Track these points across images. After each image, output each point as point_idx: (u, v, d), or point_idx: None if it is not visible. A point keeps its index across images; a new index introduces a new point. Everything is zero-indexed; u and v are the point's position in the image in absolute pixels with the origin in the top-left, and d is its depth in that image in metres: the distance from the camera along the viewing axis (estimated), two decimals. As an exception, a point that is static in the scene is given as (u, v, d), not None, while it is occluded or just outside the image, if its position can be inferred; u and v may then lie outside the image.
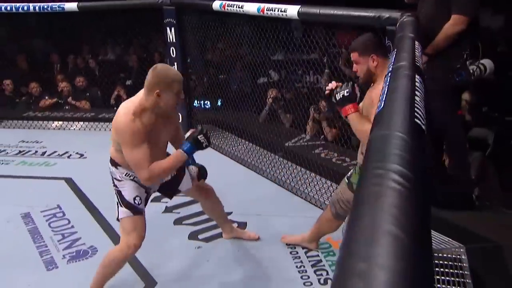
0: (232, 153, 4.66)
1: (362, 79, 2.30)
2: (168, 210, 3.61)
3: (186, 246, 3.09)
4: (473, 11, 2.72)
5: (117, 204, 2.41)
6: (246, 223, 3.32)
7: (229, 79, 5.43)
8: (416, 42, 1.94)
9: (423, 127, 1.09)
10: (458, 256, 2.57)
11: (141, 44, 7.11)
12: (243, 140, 4.73)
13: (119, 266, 2.48)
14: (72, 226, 3.37)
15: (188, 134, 2.40)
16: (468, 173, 3.00)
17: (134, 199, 2.40)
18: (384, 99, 1.26)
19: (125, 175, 2.40)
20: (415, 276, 0.58)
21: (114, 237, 3.19)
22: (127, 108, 2.23)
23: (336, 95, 2.22)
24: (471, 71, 2.71)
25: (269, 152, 4.38)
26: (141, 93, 2.29)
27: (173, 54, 4.95)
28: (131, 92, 6.40)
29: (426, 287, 0.60)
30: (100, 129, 5.64)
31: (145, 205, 2.48)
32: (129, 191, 2.39)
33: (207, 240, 3.15)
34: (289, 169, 4.02)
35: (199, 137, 2.33)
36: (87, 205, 3.70)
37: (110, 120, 5.55)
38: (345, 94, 2.19)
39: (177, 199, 3.78)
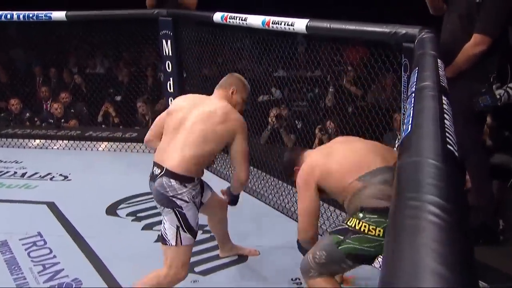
0: (230, 176, 4.65)
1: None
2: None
3: (180, 280, 3.05)
4: (497, 30, 2.74)
5: (177, 228, 2.38)
6: (247, 257, 3.29)
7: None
8: (439, 61, 1.96)
9: (456, 153, 1.09)
10: (482, 297, 2.54)
11: (132, 57, 7.16)
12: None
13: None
14: (54, 256, 3.33)
15: None
16: (491, 204, 2.99)
17: (196, 224, 2.46)
18: (410, 122, 1.26)
19: (193, 196, 2.42)
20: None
21: (101, 269, 3.15)
22: (228, 107, 2.56)
23: None
24: (498, 95, 2.72)
25: (271, 177, 4.37)
26: (217, 96, 2.67)
27: (168, 69, 4.98)
28: (120, 109, 6.47)
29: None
30: (86, 149, 5.63)
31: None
32: (194, 215, 2.42)
33: (204, 273, 3.12)
34: (294, 195, 4.00)
35: None
36: (71, 233, 3.66)
37: (97, 139, 5.69)
38: None
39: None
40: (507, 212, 3.20)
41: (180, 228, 2.37)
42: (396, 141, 3.93)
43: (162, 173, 2.35)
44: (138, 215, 3.97)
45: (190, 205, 2.39)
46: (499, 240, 3.02)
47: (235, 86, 2.65)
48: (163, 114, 2.75)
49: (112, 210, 4.06)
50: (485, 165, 2.99)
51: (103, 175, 4.85)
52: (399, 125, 3.47)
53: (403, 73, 2.80)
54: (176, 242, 2.38)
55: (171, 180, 2.34)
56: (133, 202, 4.20)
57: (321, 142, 4.82)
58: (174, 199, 2.36)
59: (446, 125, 1.22)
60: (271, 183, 4.27)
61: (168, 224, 2.39)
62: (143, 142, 5.45)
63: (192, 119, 2.46)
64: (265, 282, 3.00)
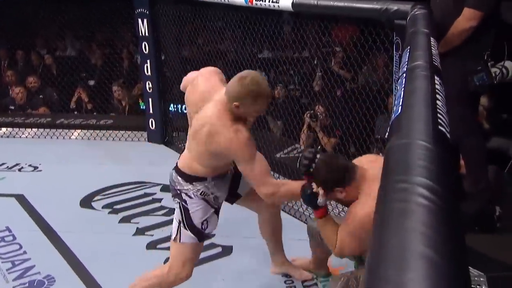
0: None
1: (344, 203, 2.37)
2: (139, 232, 3.59)
3: (161, 275, 3.06)
4: (489, 6, 2.77)
5: (179, 223, 2.39)
6: (232, 246, 3.31)
7: (210, 80, 5.44)
8: (432, 39, 1.98)
9: (448, 135, 1.11)
10: (478, 286, 2.60)
11: (106, 38, 7.08)
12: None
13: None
14: (25, 252, 3.31)
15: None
16: (487, 190, 3.05)
17: (202, 223, 2.39)
18: (401, 103, 1.28)
19: (201, 193, 2.38)
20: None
21: (76, 265, 3.15)
22: (217, 125, 2.21)
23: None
24: (493, 74, 2.76)
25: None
26: (217, 104, 2.27)
27: (145, 50, 4.95)
28: (94, 94, 6.41)
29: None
30: (57, 137, 5.58)
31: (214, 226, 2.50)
32: (199, 213, 2.38)
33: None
34: (280, 184, 4.02)
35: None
36: (42, 227, 3.64)
37: (70, 126, 5.64)
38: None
39: (149, 219, 3.77)
40: (504, 198, 3.26)
41: (182, 224, 2.37)
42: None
43: (174, 167, 2.44)
44: (114, 207, 3.97)
45: (195, 201, 2.36)
46: (496, 228, 3.08)
47: (241, 101, 2.16)
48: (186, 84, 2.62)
49: (86, 202, 4.05)
50: (481, 149, 3.04)
51: (77, 165, 4.82)
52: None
53: (395, 52, 2.82)
54: (175, 238, 2.40)
55: (178, 176, 2.39)
56: (109, 194, 4.19)
57: (310, 128, 4.84)
58: (180, 192, 2.39)
59: (438, 106, 1.24)
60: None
61: (174, 217, 2.44)
62: (119, 130, 5.52)
63: (193, 126, 2.37)
64: (252, 273, 3.02)
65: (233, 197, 2.63)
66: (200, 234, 2.39)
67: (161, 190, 4.29)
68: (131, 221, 3.75)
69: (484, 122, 3.95)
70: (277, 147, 4.68)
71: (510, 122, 4.33)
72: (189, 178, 2.36)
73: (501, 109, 4.35)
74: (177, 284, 2.45)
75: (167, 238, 3.48)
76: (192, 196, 2.36)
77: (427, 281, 0.62)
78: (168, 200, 4.09)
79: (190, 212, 2.36)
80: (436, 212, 0.78)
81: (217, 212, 2.48)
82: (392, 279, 0.63)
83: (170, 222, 3.70)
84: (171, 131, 5.34)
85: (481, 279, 2.64)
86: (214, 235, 2.49)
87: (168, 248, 3.33)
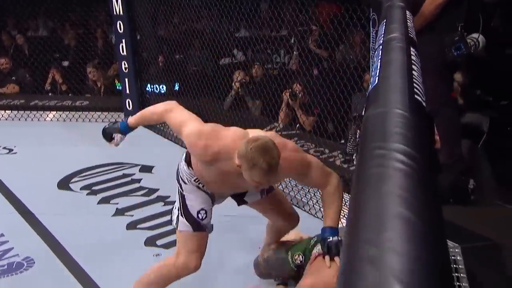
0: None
1: None
2: (119, 212, 3.58)
3: (142, 253, 3.07)
4: None
5: (178, 210, 2.30)
6: (212, 225, 3.32)
7: (186, 60, 5.40)
8: (407, 12, 1.99)
9: (424, 104, 1.13)
10: (452, 257, 2.66)
11: (79, 17, 6.94)
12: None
13: (168, 284, 2.39)
14: (2, 235, 3.28)
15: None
16: (461, 163, 3.11)
17: (198, 212, 2.28)
18: (377, 74, 1.29)
19: (194, 180, 2.27)
20: (431, 261, 0.61)
21: (56, 247, 3.13)
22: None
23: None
24: (469, 44, 2.80)
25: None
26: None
27: (120, 30, 4.88)
28: (69, 75, 6.30)
29: (443, 273, 0.63)
30: (32, 119, 5.49)
31: (210, 218, 2.35)
32: (195, 202, 2.28)
33: (166, 246, 3.14)
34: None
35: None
36: (19, 209, 3.61)
37: (44, 108, 5.55)
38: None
39: (129, 200, 3.77)
40: (478, 172, 3.34)
41: (179, 211, 2.29)
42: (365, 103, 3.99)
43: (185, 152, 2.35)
44: (93, 188, 3.94)
45: (189, 188, 2.28)
46: (470, 200, 3.15)
47: (241, 161, 2.02)
48: None
49: (64, 184, 4.02)
50: (455, 122, 3.09)
51: (53, 147, 4.76)
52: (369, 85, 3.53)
53: (371, 28, 2.83)
54: (176, 225, 2.32)
55: (184, 158, 2.32)
56: (87, 175, 4.16)
57: (289, 106, 4.85)
58: (178, 177, 2.32)
59: (414, 76, 1.26)
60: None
61: (175, 205, 2.36)
62: (95, 111, 5.46)
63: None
64: (232, 251, 3.05)
65: (240, 201, 2.52)
66: (196, 224, 2.27)
67: (140, 170, 4.28)
68: (110, 202, 3.74)
69: (459, 97, 4.00)
70: (256, 126, 4.68)
71: (484, 98, 4.40)
72: (188, 161, 2.28)
73: (475, 85, 4.41)
74: (183, 274, 2.33)
75: (147, 218, 3.50)
76: (187, 181, 2.28)
77: (404, 239, 0.64)
78: (147, 180, 4.08)
79: (186, 199, 2.28)
80: (413, 176, 0.79)
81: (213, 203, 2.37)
82: (371, 238, 0.65)
83: (150, 202, 3.75)
84: (148, 111, 5.30)
85: (456, 250, 2.71)
86: (212, 229, 2.35)
87: (147, 228, 3.37)
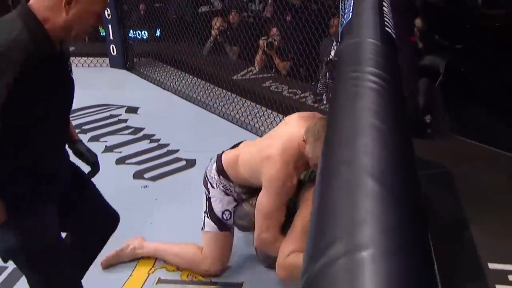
0: (175, 89, 4.61)
1: None
2: (108, 149, 3.57)
3: (131, 186, 3.10)
4: None
5: (205, 212, 2.25)
6: (195, 160, 3.36)
7: (166, 7, 5.25)
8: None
9: (394, 35, 1.14)
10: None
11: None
12: (186, 74, 4.68)
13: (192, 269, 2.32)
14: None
15: None
16: (418, 100, 3.17)
17: (223, 213, 2.23)
18: (351, 10, 1.29)
19: (223, 186, 2.22)
20: (399, 161, 0.64)
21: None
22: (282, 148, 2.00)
23: None
24: None
25: (215, 87, 4.38)
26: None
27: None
28: None
29: (411, 173, 0.66)
30: None
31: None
32: (220, 204, 2.23)
33: (154, 179, 3.17)
34: (238, 103, 4.04)
35: None
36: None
37: None
38: None
39: (117, 138, 3.75)
40: (434, 108, 3.41)
41: (206, 213, 2.25)
42: (333, 47, 3.98)
43: (218, 155, 2.28)
44: (83, 127, 3.90)
45: (217, 192, 2.23)
46: (427, 133, 3.24)
47: (308, 136, 1.92)
48: None
49: (55, 124, 3.96)
50: (414, 63, 3.12)
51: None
52: (336, 30, 3.51)
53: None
54: (202, 227, 2.27)
55: (214, 163, 2.25)
56: (76, 116, 4.09)
57: (265, 52, 4.80)
58: (207, 181, 2.26)
59: (384, 12, 1.26)
60: (215, 93, 4.30)
61: (203, 208, 2.30)
62: (81, 56, 5.30)
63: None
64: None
65: None
66: (221, 223, 2.21)
67: (126, 111, 4.24)
68: (100, 140, 3.72)
69: (419, 41, 4.02)
70: (234, 70, 4.65)
71: (441, 42, 4.43)
72: (222, 172, 2.21)
73: (433, 30, 4.42)
74: (204, 274, 2.27)
75: (135, 154, 3.50)
76: (215, 186, 2.22)
77: (376, 144, 0.66)
78: (133, 120, 4.06)
79: (212, 201, 2.23)
80: (384, 94, 0.82)
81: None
82: (346, 144, 0.68)
83: (136, 140, 3.74)
84: (131, 56, 5.18)
85: (414, 177, 2.80)
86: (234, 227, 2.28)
87: (135, 163, 3.38)
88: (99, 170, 1.82)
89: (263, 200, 2.03)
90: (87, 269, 1.83)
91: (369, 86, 0.83)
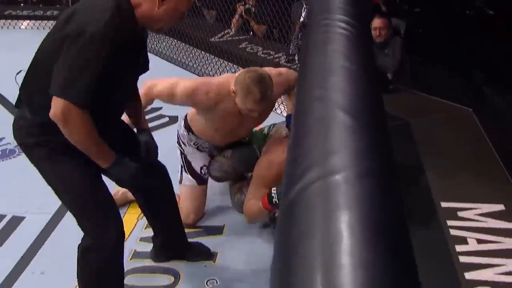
0: (156, 50, 4.48)
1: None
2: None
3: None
4: None
5: (181, 167, 2.22)
6: (177, 116, 3.30)
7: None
8: None
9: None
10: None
11: None
12: (166, 37, 4.54)
13: None
14: (-7, 128, 3.14)
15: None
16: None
17: (201, 168, 2.21)
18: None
19: (194, 143, 2.19)
20: (369, 96, 0.63)
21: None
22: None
23: None
24: None
25: (194, 48, 4.28)
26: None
27: None
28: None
29: (378, 105, 0.65)
30: (8, 27, 5.05)
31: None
32: (197, 160, 2.20)
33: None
34: (216, 63, 3.96)
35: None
36: (5, 104, 3.43)
37: (18, 17, 5.11)
38: None
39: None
40: (396, 66, 3.41)
41: (183, 168, 2.22)
42: (303, 9, 3.90)
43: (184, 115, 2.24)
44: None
45: (189, 149, 2.21)
46: (388, 88, 3.25)
47: (238, 89, 1.91)
48: None
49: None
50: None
51: (29, 53, 4.43)
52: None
53: None
54: (179, 180, 2.23)
55: (182, 122, 2.23)
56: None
57: (241, 17, 4.67)
58: (179, 138, 2.24)
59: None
60: (194, 54, 4.20)
61: (178, 162, 2.27)
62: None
63: None
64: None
65: None
66: (200, 178, 2.22)
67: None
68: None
69: (382, 5, 3.98)
70: (211, 32, 4.54)
71: (401, 6, 4.42)
72: (188, 127, 2.19)
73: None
74: (186, 222, 2.18)
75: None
76: (187, 144, 2.20)
77: (347, 82, 0.65)
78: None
79: (189, 159, 2.20)
80: (352, 39, 0.79)
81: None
82: (319, 83, 0.66)
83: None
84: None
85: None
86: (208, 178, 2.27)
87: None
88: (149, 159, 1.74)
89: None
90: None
91: (339, 32, 0.81)
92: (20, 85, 1.44)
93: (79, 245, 1.53)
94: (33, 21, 5.08)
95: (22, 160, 2.75)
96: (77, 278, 1.57)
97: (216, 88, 2.00)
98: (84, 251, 1.52)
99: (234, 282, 1.90)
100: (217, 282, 1.90)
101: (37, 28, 5.08)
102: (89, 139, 1.33)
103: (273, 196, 1.89)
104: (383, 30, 3.31)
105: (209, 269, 1.97)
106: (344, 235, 0.38)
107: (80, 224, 1.51)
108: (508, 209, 2.17)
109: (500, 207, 2.18)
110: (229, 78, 2.03)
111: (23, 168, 2.65)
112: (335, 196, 0.43)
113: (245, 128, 2.20)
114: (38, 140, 1.41)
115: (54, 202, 2.33)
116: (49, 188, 2.50)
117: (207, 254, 2.03)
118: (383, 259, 0.37)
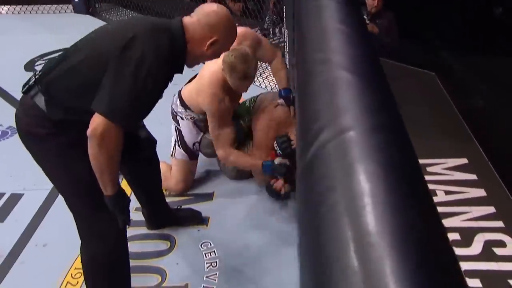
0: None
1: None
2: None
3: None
4: None
5: (175, 142, 2.20)
6: (162, 91, 3.22)
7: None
8: None
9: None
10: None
11: None
12: (140, 14, 4.37)
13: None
14: (-17, 111, 3.00)
15: (277, 161, 2.06)
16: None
17: (194, 144, 2.19)
18: None
19: (191, 118, 2.15)
20: (366, 56, 0.60)
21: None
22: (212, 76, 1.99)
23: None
24: None
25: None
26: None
27: None
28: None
29: (377, 64, 0.63)
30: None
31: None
32: (191, 135, 2.17)
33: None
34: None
35: (280, 164, 2.03)
36: (-6, 90, 3.28)
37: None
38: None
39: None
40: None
41: (176, 143, 2.20)
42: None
43: (178, 91, 2.19)
44: (56, 69, 3.62)
45: (186, 124, 2.18)
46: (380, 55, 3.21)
47: (225, 67, 1.94)
48: None
49: (30, 66, 3.64)
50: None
51: (12, 36, 4.23)
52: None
53: None
54: (172, 153, 2.23)
55: (178, 100, 2.17)
56: (49, 58, 3.78)
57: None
58: (176, 114, 2.19)
59: None
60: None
61: (172, 136, 2.24)
62: (47, 3, 4.82)
63: (203, 69, 2.13)
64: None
65: None
66: (192, 154, 2.22)
67: (94, 52, 3.95)
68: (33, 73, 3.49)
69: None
70: (188, 10, 4.38)
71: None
72: (184, 104, 2.15)
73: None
74: (170, 190, 2.25)
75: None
76: (184, 118, 2.16)
77: (346, 45, 0.62)
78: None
79: (182, 133, 2.18)
80: (342, 4, 0.76)
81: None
82: (318, 46, 0.63)
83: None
84: (94, 2, 4.76)
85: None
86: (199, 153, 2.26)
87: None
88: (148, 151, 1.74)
89: (209, 126, 2.06)
90: None
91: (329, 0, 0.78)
92: (38, 74, 1.33)
93: (81, 247, 1.46)
94: (14, 6, 4.80)
95: (15, 141, 2.67)
96: (84, 277, 1.50)
97: (219, 83, 2.00)
98: (87, 251, 1.45)
99: (226, 243, 1.90)
100: (211, 244, 1.90)
101: (18, 13, 4.81)
102: (111, 162, 1.26)
103: (275, 146, 2.02)
104: (380, 1, 3.21)
105: (203, 233, 1.96)
106: (366, 183, 0.37)
107: (78, 220, 1.43)
108: (471, 162, 2.22)
109: (463, 160, 2.23)
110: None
111: (16, 149, 2.57)
112: (352, 150, 0.41)
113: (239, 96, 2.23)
114: (50, 132, 1.32)
115: (50, 178, 2.30)
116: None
117: (199, 218, 2.03)
118: (404, 200, 0.36)
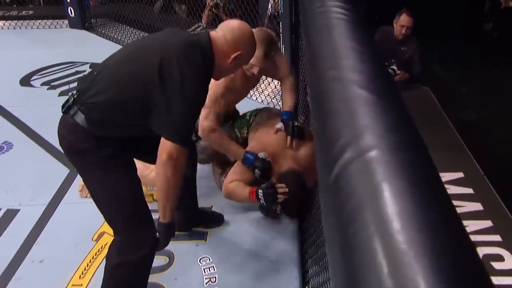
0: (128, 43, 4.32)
1: None
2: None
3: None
4: None
5: None
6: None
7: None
8: None
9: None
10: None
11: None
12: (142, 32, 4.39)
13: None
14: (-22, 126, 2.96)
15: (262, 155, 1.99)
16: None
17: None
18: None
19: None
20: (379, 74, 0.60)
21: (27, 131, 2.89)
22: None
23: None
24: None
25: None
26: None
27: None
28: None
29: (390, 81, 0.63)
30: None
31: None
32: None
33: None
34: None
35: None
36: (-11, 104, 3.24)
37: None
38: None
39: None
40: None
41: None
42: (270, 1, 3.84)
43: None
44: (52, 84, 3.60)
45: None
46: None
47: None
48: None
49: (25, 81, 3.62)
50: None
51: (8, 51, 4.21)
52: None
53: None
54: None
55: None
56: (44, 73, 3.77)
57: (211, 9, 4.56)
58: None
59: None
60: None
61: None
62: (41, 19, 4.82)
63: None
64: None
65: None
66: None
67: (90, 67, 3.94)
68: (69, 94, 3.46)
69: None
70: (184, 26, 4.42)
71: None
72: None
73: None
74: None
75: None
76: None
77: (358, 62, 0.62)
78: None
79: None
80: (351, 22, 0.77)
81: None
82: (331, 65, 0.63)
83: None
84: (89, 17, 4.77)
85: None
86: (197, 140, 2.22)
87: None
88: None
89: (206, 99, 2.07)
90: None
91: (337, 17, 0.78)
92: (75, 94, 1.40)
93: (110, 250, 1.46)
94: (9, 21, 4.79)
95: (10, 156, 2.66)
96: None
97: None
98: (115, 261, 1.45)
99: (225, 258, 1.88)
100: (209, 259, 1.87)
101: (14, 28, 4.80)
102: (178, 186, 1.32)
103: (259, 194, 1.94)
104: (409, 29, 3.22)
105: (201, 248, 1.94)
106: (395, 202, 0.37)
107: (115, 230, 1.45)
108: (467, 176, 2.23)
109: (460, 174, 2.24)
110: None
111: (12, 164, 2.55)
112: (377, 169, 0.41)
113: (245, 91, 2.20)
114: (92, 146, 1.36)
115: (46, 194, 2.26)
116: (40, 181, 2.38)
117: (220, 221, 2.07)
118: (436, 218, 0.36)
